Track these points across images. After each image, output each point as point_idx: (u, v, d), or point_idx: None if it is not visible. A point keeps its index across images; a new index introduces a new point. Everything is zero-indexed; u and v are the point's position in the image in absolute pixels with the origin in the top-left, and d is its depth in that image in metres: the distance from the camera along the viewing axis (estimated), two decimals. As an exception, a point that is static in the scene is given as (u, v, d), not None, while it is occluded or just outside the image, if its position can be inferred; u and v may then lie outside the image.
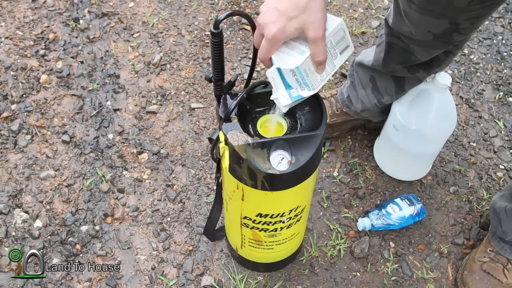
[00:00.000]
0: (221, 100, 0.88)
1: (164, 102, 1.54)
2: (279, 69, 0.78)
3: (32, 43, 1.64)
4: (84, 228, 1.30)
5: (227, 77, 0.87)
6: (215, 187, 1.13)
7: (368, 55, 1.24)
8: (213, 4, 1.77)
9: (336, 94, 1.42)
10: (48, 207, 1.33)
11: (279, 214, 0.95)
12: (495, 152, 1.48)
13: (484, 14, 0.95)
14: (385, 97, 1.26)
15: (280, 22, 0.76)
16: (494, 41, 1.73)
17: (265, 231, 1.01)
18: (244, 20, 1.73)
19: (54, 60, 1.61)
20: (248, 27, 1.71)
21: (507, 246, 1.19)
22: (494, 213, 1.21)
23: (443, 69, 1.22)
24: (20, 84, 1.55)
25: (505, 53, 1.70)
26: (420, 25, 0.97)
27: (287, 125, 0.89)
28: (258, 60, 0.84)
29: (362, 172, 1.41)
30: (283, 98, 0.81)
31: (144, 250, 1.28)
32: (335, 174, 1.41)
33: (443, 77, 1.14)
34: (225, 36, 1.68)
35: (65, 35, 1.67)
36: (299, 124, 0.89)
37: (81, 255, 1.26)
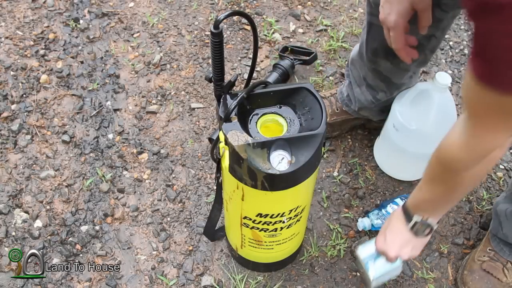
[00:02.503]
0: (221, 100, 0.88)
1: (164, 102, 1.54)
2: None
3: (32, 43, 1.64)
4: (84, 228, 1.30)
5: (227, 77, 0.87)
6: (215, 187, 1.13)
7: (356, 47, 1.25)
8: (213, 4, 1.77)
9: (336, 93, 1.42)
10: (48, 207, 1.33)
11: (279, 214, 0.95)
12: (495, 152, 1.48)
13: None
14: (379, 93, 1.26)
15: None
16: (494, 41, 1.73)
17: (265, 231, 1.01)
18: (244, 20, 1.73)
19: (54, 60, 1.61)
20: (248, 27, 1.71)
21: (506, 248, 1.19)
22: (496, 215, 1.20)
23: (429, 57, 1.17)
24: (20, 84, 1.55)
25: (505, 53, 1.70)
26: None
27: (287, 125, 0.89)
28: (258, 59, 0.84)
29: (362, 172, 1.41)
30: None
31: (144, 250, 1.28)
32: (335, 174, 1.41)
33: (443, 77, 1.14)
34: (225, 36, 1.68)
35: (65, 35, 1.67)
36: (299, 124, 0.89)
37: (81, 255, 1.26)
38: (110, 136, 1.46)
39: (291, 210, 0.96)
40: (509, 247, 1.19)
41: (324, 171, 1.41)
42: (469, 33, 1.56)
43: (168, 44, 1.66)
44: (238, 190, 0.91)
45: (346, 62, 1.31)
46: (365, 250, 1.13)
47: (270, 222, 0.97)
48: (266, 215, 0.95)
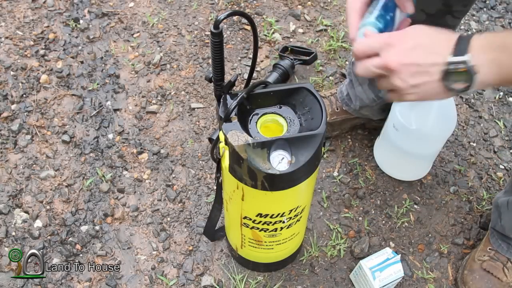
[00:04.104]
0: (221, 100, 0.88)
1: (164, 102, 1.54)
2: None
3: (32, 43, 1.64)
4: (84, 228, 1.30)
5: (227, 77, 0.87)
6: (215, 187, 1.13)
7: None
8: (213, 4, 1.77)
9: (336, 93, 1.42)
10: (48, 207, 1.33)
11: (279, 214, 0.95)
12: (495, 152, 1.48)
13: None
14: (382, 90, 1.26)
15: None
16: (494, 41, 1.73)
17: (265, 231, 1.01)
18: (244, 20, 1.73)
19: (54, 60, 1.61)
20: (248, 27, 1.71)
21: (504, 244, 1.20)
22: (496, 208, 1.21)
23: None
24: (20, 84, 1.55)
25: (505, 53, 1.70)
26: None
27: (287, 125, 0.89)
28: (258, 59, 0.84)
29: (362, 172, 1.41)
30: None
31: (144, 250, 1.28)
32: (335, 174, 1.41)
33: (443, 77, 1.14)
34: (225, 36, 1.68)
35: (65, 35, 1.67)
36: (299, 124, 0.89)
37: (81, 255, 1.26)
38: (110, 136, 1.46)
39: (291, 210, 0.96)
40: (507, 242, 1.19)
41: (324, 171, 1.41)
42: (469, 33, 1.55)
43: (168, 44, 1.66)
44: (238, 190, 0.91)
45: (351, 60, 1.31)
46: (369, 262, 1.14)
47: (270, 222, 0.98)
48: (266, 215, 0.95)
